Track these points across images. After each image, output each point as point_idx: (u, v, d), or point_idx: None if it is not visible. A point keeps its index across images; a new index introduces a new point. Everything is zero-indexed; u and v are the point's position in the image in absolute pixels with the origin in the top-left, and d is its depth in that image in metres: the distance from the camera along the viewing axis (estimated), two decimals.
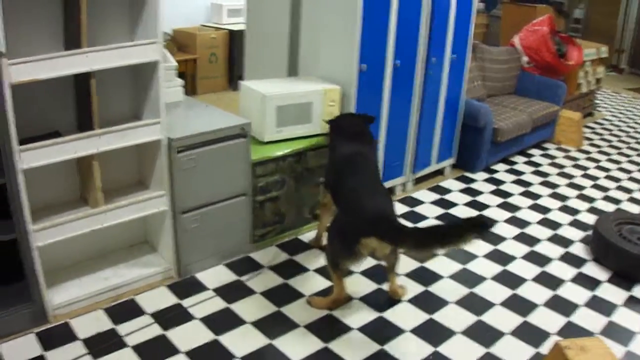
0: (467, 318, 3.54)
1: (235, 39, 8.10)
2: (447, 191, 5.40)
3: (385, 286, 3.76)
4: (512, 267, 4.14)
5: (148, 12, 3.19)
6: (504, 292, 3.83)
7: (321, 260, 4.02)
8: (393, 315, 3.52)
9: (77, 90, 3.28)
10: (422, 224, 4.64)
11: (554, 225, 4.86)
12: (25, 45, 2.97)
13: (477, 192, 5.42)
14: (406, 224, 3.73)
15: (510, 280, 3.98)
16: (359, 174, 3.49)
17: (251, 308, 3.50)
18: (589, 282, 4.02)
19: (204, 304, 3.51)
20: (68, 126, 3.31)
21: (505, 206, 5.16)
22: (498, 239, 4.52)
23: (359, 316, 3.49)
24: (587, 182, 5.88)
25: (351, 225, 3.24)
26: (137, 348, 3.09)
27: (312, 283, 3.79)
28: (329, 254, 3.45)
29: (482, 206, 5.11)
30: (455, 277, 3.98)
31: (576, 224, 4.90)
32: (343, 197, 3.45)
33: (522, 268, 4.14)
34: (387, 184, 4.94)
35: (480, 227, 2.97)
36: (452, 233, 2.97)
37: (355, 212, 3.27)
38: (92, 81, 3.03)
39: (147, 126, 3.30)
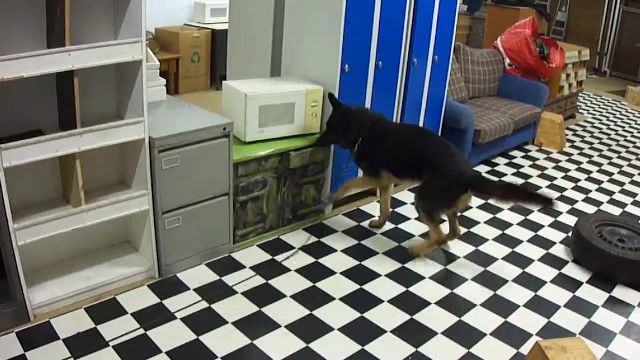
0: (448, 319, 3.56)
1: (218, 38, 8.08)
2: None
3: (366, 286, 3.79)
4: (493, 269, 4.16)
5: (132, 11, 3.18)
6: (485, 293, 3.85)
7: (302, 261, 4.04)
8: (374, 315, 3.53)
9: (59, 89, 3.26)
10: (408, 223, 4.67)
11: (535, 226, 4.89)
12: (7, 44, 2.95)
13: None
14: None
15: (491, 281, 4.00)
16: (437, 143, 4.17)
17: (233, 308, 3.49)
18: (570, 283, 4.05)
19: (186, 304, 3.50)
20: (50, 125, 3.29)
21: (486, 208, 5.18)
22: (479, 240, 4.55)
23: (340, 316, 3.49)
24: (569, 184, 5.93)
25: (452, 184, 3.96)
26: (119, 348, 3.07)
27: (294, 284, 3.79)
28: (428, 208, 4.07)
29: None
30: (436, 278, 3.99)
31: (557, 225, 4.94)
32: (435, 162, 4.01)
33: (503, 269, 4.17)
34: None
35: (546, 203, 3.95)
36: (526, 197, 3.96)
37: (453, 174, 3.95)
38: (76, 80, 3.02)
39: (130, 126, 3.28)
